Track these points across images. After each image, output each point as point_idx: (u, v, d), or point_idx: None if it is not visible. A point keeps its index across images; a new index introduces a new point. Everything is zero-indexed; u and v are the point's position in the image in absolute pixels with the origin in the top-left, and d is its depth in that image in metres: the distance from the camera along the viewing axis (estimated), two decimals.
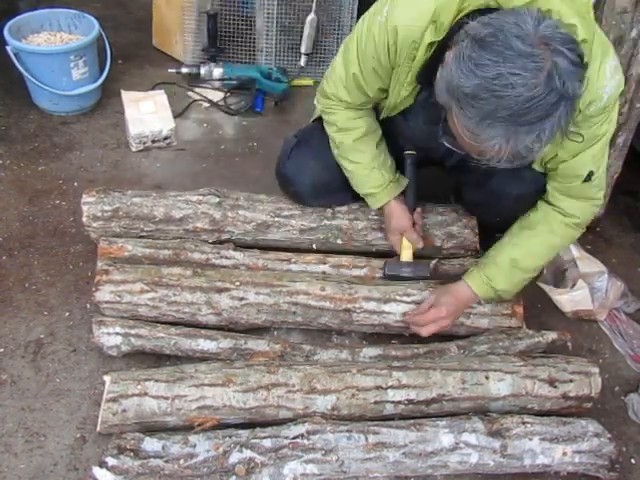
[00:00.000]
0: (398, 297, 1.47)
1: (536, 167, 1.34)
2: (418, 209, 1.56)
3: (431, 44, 1.19)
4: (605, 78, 1.15)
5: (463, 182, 1.57)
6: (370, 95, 1.39)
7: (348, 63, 1.35)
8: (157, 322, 1.42)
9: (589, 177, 1.28)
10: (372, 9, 1.30)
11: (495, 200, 1.44)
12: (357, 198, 1.62)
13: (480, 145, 1.03)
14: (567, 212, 1.35)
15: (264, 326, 1.49)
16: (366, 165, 1.49)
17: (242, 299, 1.43)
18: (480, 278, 1.40)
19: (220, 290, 1.43)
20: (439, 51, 1.16)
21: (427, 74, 1.21)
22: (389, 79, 1.33)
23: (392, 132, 1.51)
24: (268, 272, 1.52)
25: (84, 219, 1.57)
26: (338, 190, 1.61)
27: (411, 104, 1.36)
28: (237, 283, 1.44)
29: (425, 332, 1.41)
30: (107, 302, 1.41)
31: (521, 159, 1.04)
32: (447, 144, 1.17)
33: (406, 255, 1.54)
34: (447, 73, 1.02)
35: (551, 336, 1.45)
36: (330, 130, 1.50)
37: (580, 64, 0.98)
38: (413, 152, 1.53)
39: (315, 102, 1.55)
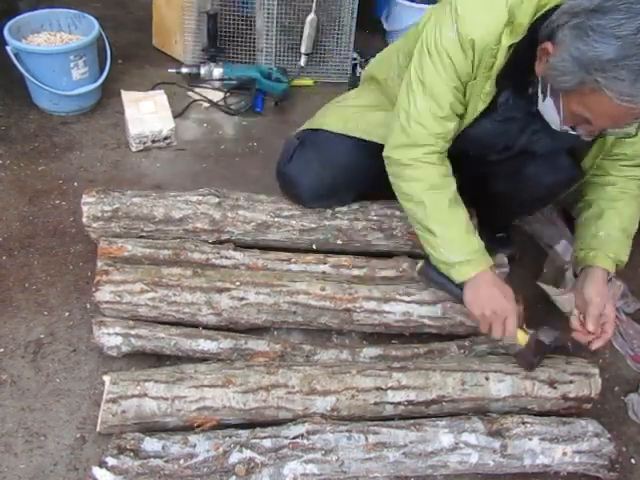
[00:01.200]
0: (398, 297, 1.47)
1: (587, 160, 1.39)
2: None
3: (510, 47, 1.17)
4: None
5: (494, 173, 1.51)
6: (458, 113, 1.31)
7: (436, 95, 1.27)
8: (157, 322, 1.42)
9: None
10: (430, 37, 1.25)
11: (526, 188, 1.46)
12: (357, 199, 1.62)
13: (638, 107, 1.01)
14: None
15: (264, 326, 1.49)
16: (462, 228, 1.32)
17: (242, 299, 1.43)
18: (608, 258, 1.36)
19: (220, 290, 1.43)
20: (522, 51, 1.16)
21: (510, 76, 1.21)
22: (465, 97, 1.30)
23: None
24: (268, 272, 1.52)
25: (84, 219, 1.57)
26: (339, 193, 1.61)
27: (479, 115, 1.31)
28: (237, 283, 1.44)
29: (610, 334, 1.31)
30: (107, 302, 1.41)
31: None
32: (581, 134, 1.15)
33: (523, 338, 1.33)
34: (569, 53, 1.02)
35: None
36: (417, 189, 1.33)
37: None
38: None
39: (392, 157, 1.37)
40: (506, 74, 1.22)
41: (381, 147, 1.42)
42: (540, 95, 1.19)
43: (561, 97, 1.11)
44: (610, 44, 0.97)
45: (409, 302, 1.47)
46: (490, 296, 1.29)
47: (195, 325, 1.43)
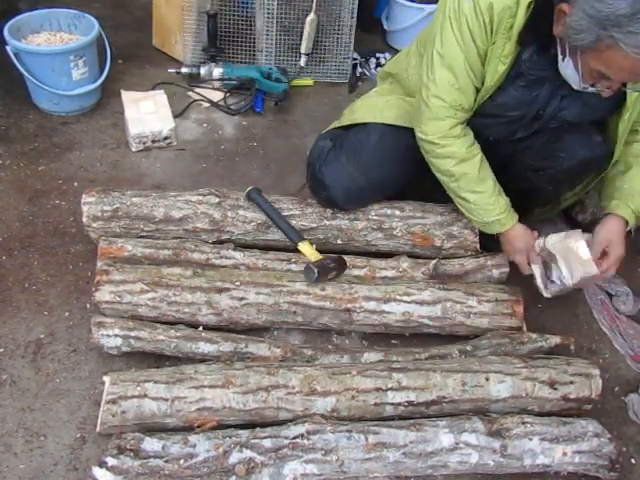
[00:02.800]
0: (398, 297, 1.47)
1: (620, 127, 1.41)
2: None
3: (529, 5, 1.21)
4: None
5: (526, 147, 1.52)
6: (479, 86, 1.37)
7: (453, 65, 1.32)
8: (157, 322, 1.42)
9: None
10: (443, 9, 1.30)
11: (558, 164, 1.47)
12: (389, 198, 1.65)
13: None
14: None
15: (264, 326, 1.49)
16: (490, 193, 1.45)
17: (242, 299, 1.43)
18: (628, 208, 1.42)
19: (220, 290, 1.43)
20: (541, 8, 1.20)
21: (531, 33, 1.25)
22: (483, 66, 1.34)
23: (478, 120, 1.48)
24: (268, 272, 1.52)
25: (84, 219, 1.57)
26: (372, 194, 1.62)
27: (502, 82, 1.36)
28: (237, 283, 1.44)
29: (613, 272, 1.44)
30: (107, 302, 1.41)
31: None
32: (600, 91, 1.22)
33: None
34: (583, 10, 1.07)
35: (554, 340, 1.45)
36: (447, 165, 1.43)
37: None
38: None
39: (420, 135, 1.44)
40: (527, 32, 1.25)
41: (411, 134, 1.48)
42: (560, 56, 1.24)
43: (579, 55, 1.16)
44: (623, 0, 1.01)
45: (409, 302, 1.47)
46: (518, 242, 1.50)
47: (195, 325, 1.43)
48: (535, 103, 1.40)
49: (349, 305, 1.46)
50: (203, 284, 1.43)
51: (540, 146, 1.49)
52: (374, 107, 1.60)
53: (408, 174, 1.60)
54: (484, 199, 1.45)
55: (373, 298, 1.47)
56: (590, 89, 1.22)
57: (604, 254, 1.42)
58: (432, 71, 1.36)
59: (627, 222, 1.43)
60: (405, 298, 1.47)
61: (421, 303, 1.47)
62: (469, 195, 1.46)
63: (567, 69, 1.24)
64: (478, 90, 1.38)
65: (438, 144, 1.41)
